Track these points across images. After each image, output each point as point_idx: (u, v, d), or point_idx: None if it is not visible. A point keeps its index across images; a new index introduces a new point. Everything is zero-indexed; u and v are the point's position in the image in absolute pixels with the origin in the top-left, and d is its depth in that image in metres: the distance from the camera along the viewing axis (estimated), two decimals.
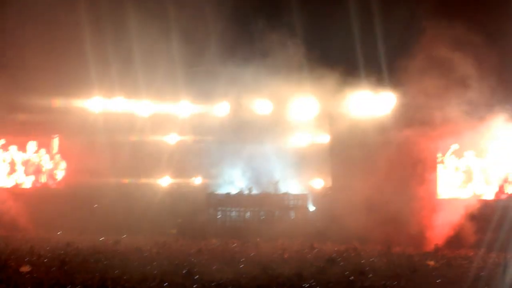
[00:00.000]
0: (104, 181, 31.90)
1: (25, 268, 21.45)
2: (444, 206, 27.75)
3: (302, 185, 33.43)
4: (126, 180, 32.66)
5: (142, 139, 33.12)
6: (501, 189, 28.25)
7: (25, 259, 22.95)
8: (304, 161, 33.43)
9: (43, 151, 33.15)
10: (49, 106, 31.42)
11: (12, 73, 30.30)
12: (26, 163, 33.12)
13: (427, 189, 28.19)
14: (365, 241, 27.20)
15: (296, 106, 31.42)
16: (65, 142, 33.01)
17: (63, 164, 33.02)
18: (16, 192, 32.26)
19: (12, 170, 33.13)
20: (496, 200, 27.97)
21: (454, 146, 28.92)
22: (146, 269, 21.67)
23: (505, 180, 28.23)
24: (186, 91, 32.45)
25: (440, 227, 27.12)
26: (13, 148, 33.14)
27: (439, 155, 29.04)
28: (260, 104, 32.01)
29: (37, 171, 33.11)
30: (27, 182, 33.05)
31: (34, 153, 33.14)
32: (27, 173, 33.10)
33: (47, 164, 33.15)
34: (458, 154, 28.94)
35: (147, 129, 33.10)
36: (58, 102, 31.63)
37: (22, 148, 33.14)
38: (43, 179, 33.14)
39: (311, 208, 32.71)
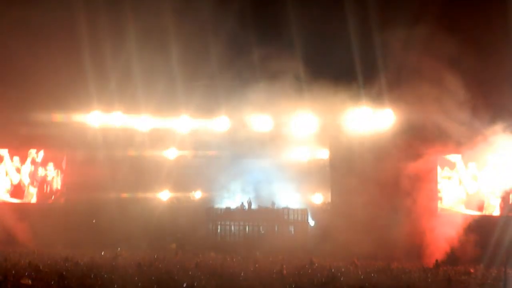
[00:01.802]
0: (103, 196, 31.80)
1: (25, 281, 21.45)
2: (445, 221, 27.64)
3: (301, 200, 33.37)
4: (125, 195, 32.58)
5: (142, 153, 33.04)
6: (502, 203, 28.19)
7: (25, 273, 22.95)
8: (304, 176, 33.38)
9: (42, 165, 33.07)
10: (48, 121, 31.30)
11: (12, 88, 30.25)
12: (24, 177, 33.02)
13: (427, 204, 28.16)
14: (365, 257, 27.05)
15: (296, 121, 31.36)
16: (64, 156, 32.94)
17: (62, 179, 32.93)
18: (14, 206, 32.16)
19: (10, 184, 33.03)
20: (497, 215, 27.82)
21: (454, 161, 28.92)
22: (145, 284, 21.66)
23: (507, 194, 28.17)
24: (186, 105, 32.39)
25: (441, 242, 27.04)
26: (10, 162, 33.06)
27: (439, 169, 29.01)
28: (259, 119, 31.95)
29: (36, 185, 33.01)
30: (25, 197, 32.94)
31: (33, 167, 33.03)
32: (25, 188, 32.99)
33: (46, 179, 33.05)
34: (459, 168, 28.93)
35: (147, 144, 33.01)
36: (57, 117, 31.55)
37: (20, 162, 33.07)
38: (42, 193, 33.02)
39: (311, 223, 32.64)
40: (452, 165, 28.92)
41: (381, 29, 28.29)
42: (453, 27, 27.09)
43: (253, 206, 33.39)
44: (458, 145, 27.72)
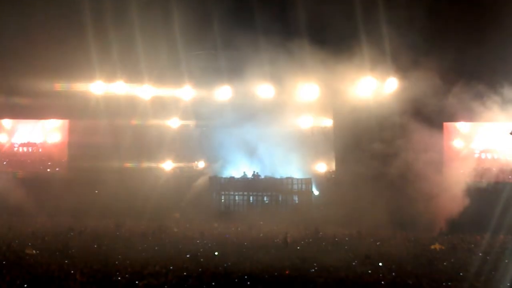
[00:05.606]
0: (107, 165, 31.74)
1: (29, 251, 21.49)
2: (450, 189, 27.46)
3: (306, 169, 33.29)
4: (128, 164, 32.58)
5: (145, 123, 33.00)
6: (505, 173, 28.20)
7: (29, 243, 23.01)
8: (307, 145, 33.27)
9: (45, 134, 33.08)
10: (52, 90, 31.24)
11: (16, 58, 30.12)
12: (27, 146, 33.05)
13: (432, 172, 27.91)
14: (370, 225, 26.89)
15: (299, 90, 31.18)
16: (67, 126, 32.92)
17: (65, 148, 32.91)
18: (17, 176, 32.20)
19: (13, 153, 33.07)
20: (502, 183, 27.73)
21: (458, 130, 28.87)
22: (149, 253, 21.68)
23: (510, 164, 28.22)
24: (188, 75, 32.26)
25: (446, 210, 26.96)
26: (14, 131, 33.08)
27: (443, 139, 28.88)
28: (263, 88, 31.78)
29: (39, 155, 33.03)
30: (28, 166, 32.99)
31: (36, 136, 33.05)
32: (28, 157, 33.02)
33: (49, 148, 33.08)
34: (463, 137, 28.91)
35: (149, 114, 32.93)
36: (61, 86, 31.47)
37: (23, 131, 33.07)
38: (45, 163, 33.05)
39: (315, 192, 32.63)
40: (458, 133, 28.90)
41: None
42: None
43: (258, 175, 33.31)
44: (464, 113, 27.55)
